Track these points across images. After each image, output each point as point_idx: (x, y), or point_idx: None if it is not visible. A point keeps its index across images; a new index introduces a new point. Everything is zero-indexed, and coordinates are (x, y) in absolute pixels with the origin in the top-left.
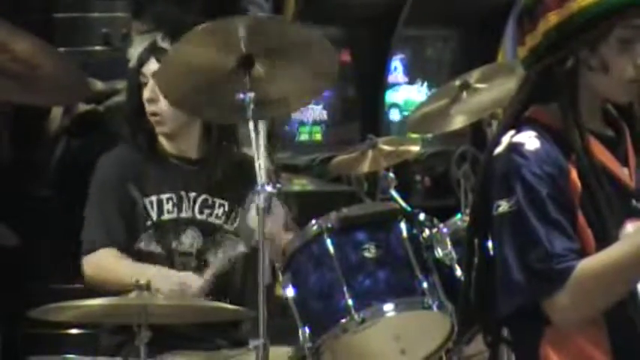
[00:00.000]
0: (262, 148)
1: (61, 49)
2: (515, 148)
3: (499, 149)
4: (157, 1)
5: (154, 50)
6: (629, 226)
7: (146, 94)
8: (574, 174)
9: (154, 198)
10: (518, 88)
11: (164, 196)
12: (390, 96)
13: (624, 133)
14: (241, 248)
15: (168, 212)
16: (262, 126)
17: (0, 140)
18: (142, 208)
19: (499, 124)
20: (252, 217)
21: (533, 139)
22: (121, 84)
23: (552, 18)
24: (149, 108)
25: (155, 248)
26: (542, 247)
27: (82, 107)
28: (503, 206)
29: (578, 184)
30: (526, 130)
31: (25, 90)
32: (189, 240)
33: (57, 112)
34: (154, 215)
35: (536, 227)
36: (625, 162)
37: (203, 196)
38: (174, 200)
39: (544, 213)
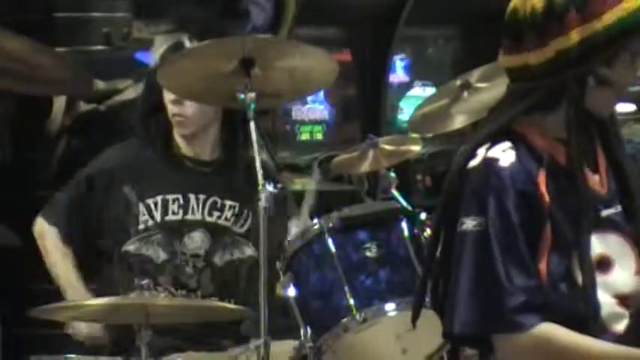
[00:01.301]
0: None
1: (62, 49)
2: (490, 164)
3: (474, 163)
4: (181, 2)
5: (179, 50)
6: (594, 241)
7: (171, 95)
8: (543, 185)
9: (158, 198)
10: (511, 99)
11: (170, 197)
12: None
13: (594, 139)
14: (249, 252)
15: (174, 213)
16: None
17: (1, 140)
18: (135, 212)
19: (477, 132)
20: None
21: (508, 151)
22: (121, 84)
23: (574, 35)
24: (173, 109)
25: (145, 251)
26: (499, 280)
27: (83, 107)
28: (468, 224)
29: (547, 196)
30: (500, 143)
31: (27, 83)
32: (197, 242)
33: (58, 111)
34: (157, 216)
35: (497, 258)
36: (595, 169)
37: (213, 198)
38: (181, 202)
39: (510, 245)
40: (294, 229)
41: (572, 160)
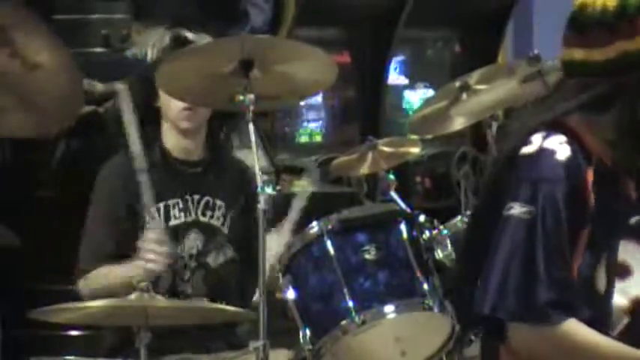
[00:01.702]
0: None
1: None
2: (546, 154)
3: (528, 150)
4: (179, 4)
5: (181, 43)
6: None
7: None
8: (590, 185)
9: (160, 205)
10: (566, 92)
11: (171, 202)
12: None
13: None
14: (230, 254)
15: (175, 217)
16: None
17: (1, 140)
18: (142, 221)
19: (525, 117)
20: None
21: (564, 145)
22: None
23: None
24: (185, 105)
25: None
26: (538, 271)
27: (83, 109)
28: (516, 209)
29: (592, 196)
30: (556, 135)
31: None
32: (192, 242)
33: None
34: (161, 223)
35: (539, 249)
36: (632, 174)
37: (206, 198)
38: (180, 205)
39: (555, 239)
40: (273, 244)
41: (619, 164)
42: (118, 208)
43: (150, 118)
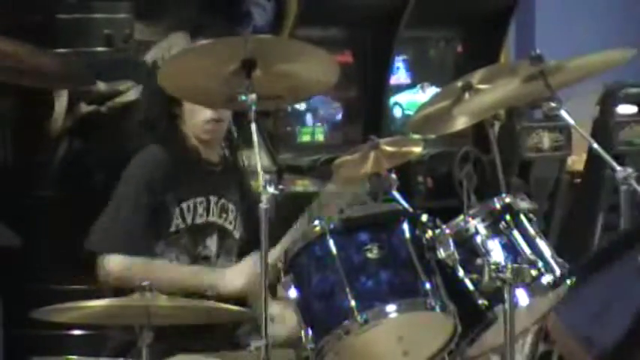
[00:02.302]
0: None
1: (64, 50)
2: None
3: None
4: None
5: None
6: None
7: (213, 113)
8: None
9: (190, 202)
10: None
11: (198, 200)
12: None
13: None
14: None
15: (200, 216)
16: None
17: (3, 140)
18: (170, 215)
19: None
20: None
21: None
22: (123, 85)
23: None
24: (213, 115)
25: (169, 255)
26: None
27: (85, 108)
28: None
29: None
30: None
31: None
32: (212, 244)
33: (59, 113)
34: (189, 219)
35: None
36: None
37: (222, 200)
38: (205, 204)
39: None
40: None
41: None
42: (152, 197)
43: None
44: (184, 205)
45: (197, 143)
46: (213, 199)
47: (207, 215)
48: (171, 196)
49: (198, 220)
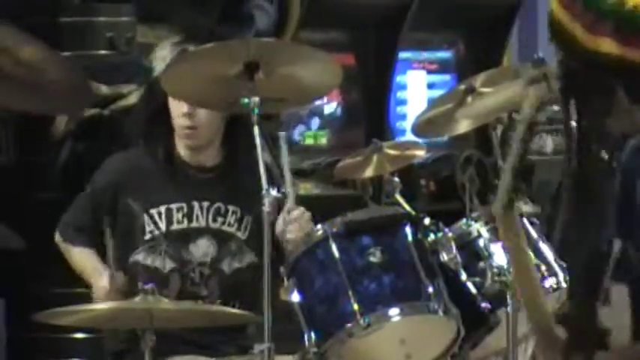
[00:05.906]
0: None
1: (67, 53)
2: None
3: None
4: (185, 7)
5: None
6: None
7: (184, 108)
8: None
9: (162, 208)
10: None
11: (174, 206)
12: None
13: None
14: (250, 258)
15: (178, 222)
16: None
17: (6, 143)
18: (141, 222)
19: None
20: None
21: None
22: (125, 88)
23: None
24: (185, 122)
25: (152, 262)
26: None
27: (87, 111)
28: None
29: None
30: None
31: (29, 96)
32: (203, 249)
33: (62, 115)
34: (162, 225)
35: None
36: None
37: (217, 204)
38: (185, 210)
39: None
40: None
41: None
42: (107, 200)
43: (159, 120)
44: (154, 212)
45: (184, 150)
46: (201, 204)
47: (190, 221)
48: (136, 203)
49: (176, 227)
